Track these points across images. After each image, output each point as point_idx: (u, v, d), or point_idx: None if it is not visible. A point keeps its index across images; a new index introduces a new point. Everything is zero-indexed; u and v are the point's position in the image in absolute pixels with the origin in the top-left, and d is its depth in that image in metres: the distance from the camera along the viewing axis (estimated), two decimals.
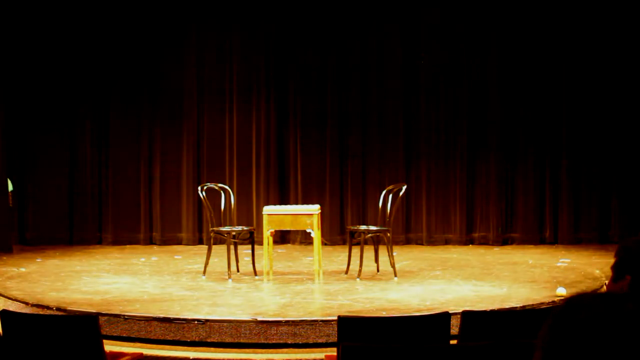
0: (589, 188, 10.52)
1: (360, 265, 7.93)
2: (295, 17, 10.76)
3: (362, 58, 10.78)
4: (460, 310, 4.95)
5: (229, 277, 7.94)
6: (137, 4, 10.82)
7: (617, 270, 2.49)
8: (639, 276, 2.40)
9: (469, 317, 4.36)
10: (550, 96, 10.57)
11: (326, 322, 5.96)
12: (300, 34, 10.78)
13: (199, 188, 8.34)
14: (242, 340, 5.97)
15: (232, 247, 8.13)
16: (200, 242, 10.83)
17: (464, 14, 10.58)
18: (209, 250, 8.23)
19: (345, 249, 8.73)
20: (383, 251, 8.26)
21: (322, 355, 5.56)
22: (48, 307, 6.61)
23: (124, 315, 6.23)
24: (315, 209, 7.91)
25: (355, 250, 8.13)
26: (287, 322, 6.03)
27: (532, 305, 6.52)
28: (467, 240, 10.69)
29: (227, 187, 8.62)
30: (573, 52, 10.45)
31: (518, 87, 10.60)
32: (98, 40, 10.80)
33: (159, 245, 10.85)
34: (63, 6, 10.73)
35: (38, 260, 9.51)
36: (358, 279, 7.84)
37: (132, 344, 6.03)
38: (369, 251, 8.22)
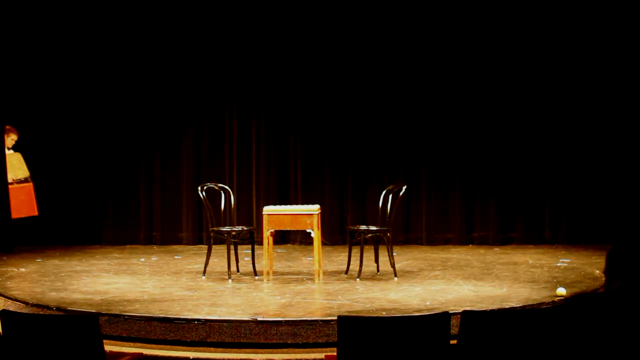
0: (589, 188, 10.51)
1: (360, 265, 7.94)
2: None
3: (361, 59, 10.79)
4: (460, 310, 4.96)
5: (229, 277, 7.94)
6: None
7: (610, 274, 2.51)
8: (629, 278, 2.42)
9: (469, 317, 4.35)
10: (550, 97, 10.57)
11: (326, 322, 5.95)
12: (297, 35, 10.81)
13: (199, 188, 8.34)
14: (242, 340, 5.97)
15: (232, 247, 8.13)
16: (200, 242, 10.83)
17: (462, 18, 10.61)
18: (209, 250, 8.23)
19: (345, 249, 8.72)
20: (383, 251, 8.26)
21: (322, 355, 5.56)
22: (48, 307, 6.61)
23: (124, 315, 6.23)
24: (315, 209, 7.91)
25: (355, 250, 8.13)
26: (287, 322, 6.03)
27: (532, 305, 6.53)
28: (467, 240, 10.69)
29: (227, 187, 8.62)
30: (566, 52, 10.48)
31: (519, 87, 10.60)
32: (100, 39, 10.84)
33: (159, 245, 10.85)
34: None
35: (38, 260, 9.51)
36: (358, 279, 7.84)
37: (132, 344, 6.03)
38: (369, 251, 8.22)
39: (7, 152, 9.99)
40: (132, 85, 10.97)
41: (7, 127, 10.02)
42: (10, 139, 10.09)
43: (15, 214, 10.05)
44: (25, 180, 10.08)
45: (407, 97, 10.72)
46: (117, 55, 10.90)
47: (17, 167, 10.00)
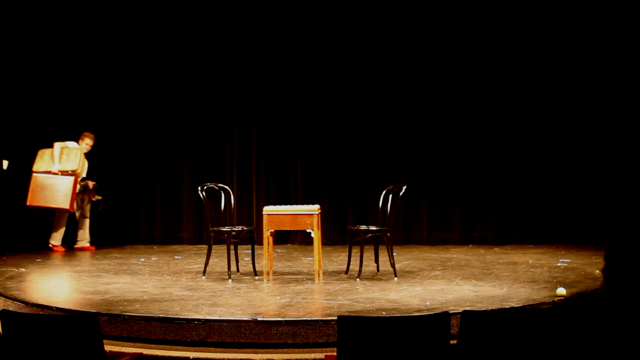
0: (589, 188, 10.52)
1: (360, 265, 7.93)
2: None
3: (364, 58, 10.81)
4: (460, 310, 4.95)
5: (229, 277, 7.94)
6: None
7: (608, 275, 2.51)
8: (629, 278, 2.42)
9: (469, 317, 4.35)
10: (552, 97, 10.58)
11: (326, 322, 5.95)
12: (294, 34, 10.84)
13: (199, 188, 8.35)
14: (242, 340, 5.97)
15: (232, 247, 8.13)
16: (201, 242, 10.85)
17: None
18: (209, 250, 8.23)
19: (345, 249, 8.72)
20: (383, 251, 8.26)
21: (322, 355, 5.56)
22: (48, 307, 6.61)
23: (124, 315, 6.23)
24: (315, 209, 7.91)
25: (355, 250, 8.13)
26: (287, 322, 6.02)
27: (532, 305, 6.52)
28: (467, 240, 10.70)
29: (227, 187, 8.63)
30: (565, 60, 10.50)
31: (519, 86, 10.62)
32: (104, 49, 10.89)
33: (159, 245, 10.86)
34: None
35: (38, 260, 9.51)
36: (358, 279, 7.84)
37: (132, 344, 6.03)
38: (369, 251, 8.22)
39: (69, 145, 10.29)
40: (134, 86, 11.00)
41: (85, 132, 10.44)
42: (85, 144, 10.43)
43: (48, 203, 10.18)
44: (73, 173, 10.15)
45: (408, 98, 10.75)
46: (122, 59, 10.97)
47: (71, 160, 10.18)
